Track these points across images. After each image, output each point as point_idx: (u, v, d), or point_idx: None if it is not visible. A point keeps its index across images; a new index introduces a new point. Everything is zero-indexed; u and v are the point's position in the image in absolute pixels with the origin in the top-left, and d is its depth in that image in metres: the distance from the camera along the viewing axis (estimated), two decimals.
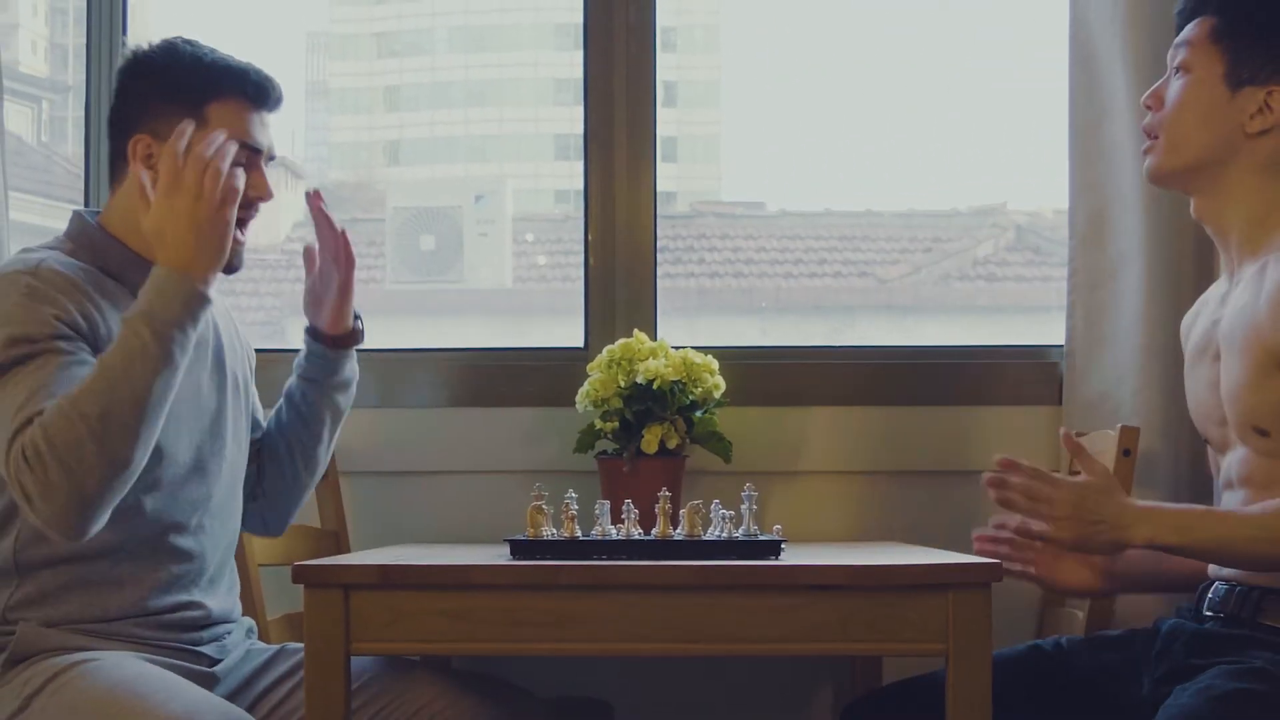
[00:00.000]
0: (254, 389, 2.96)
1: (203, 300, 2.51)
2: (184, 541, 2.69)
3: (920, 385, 3.48)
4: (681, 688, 3.44)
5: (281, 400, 2.96)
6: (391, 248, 4.07)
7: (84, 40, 3.69)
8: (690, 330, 3.65)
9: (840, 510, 3.47)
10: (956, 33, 3.75)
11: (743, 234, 4.13)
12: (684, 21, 4.19)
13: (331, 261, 2.88)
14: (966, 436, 3.40)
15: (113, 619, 2.61)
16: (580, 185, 3.66)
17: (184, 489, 2.67)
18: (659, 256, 3.65)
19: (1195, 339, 2.72)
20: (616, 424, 3.23)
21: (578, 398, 3.27)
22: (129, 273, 2.63)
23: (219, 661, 2.72)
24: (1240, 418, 2.56)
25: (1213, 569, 2.63)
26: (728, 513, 2.60)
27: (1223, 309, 2.62)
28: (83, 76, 3.70)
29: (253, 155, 2.69)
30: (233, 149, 2.58)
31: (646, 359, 3.22)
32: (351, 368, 2.97)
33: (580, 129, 3.66)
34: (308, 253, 2.91)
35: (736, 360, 3.43)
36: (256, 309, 3.41)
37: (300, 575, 2.40)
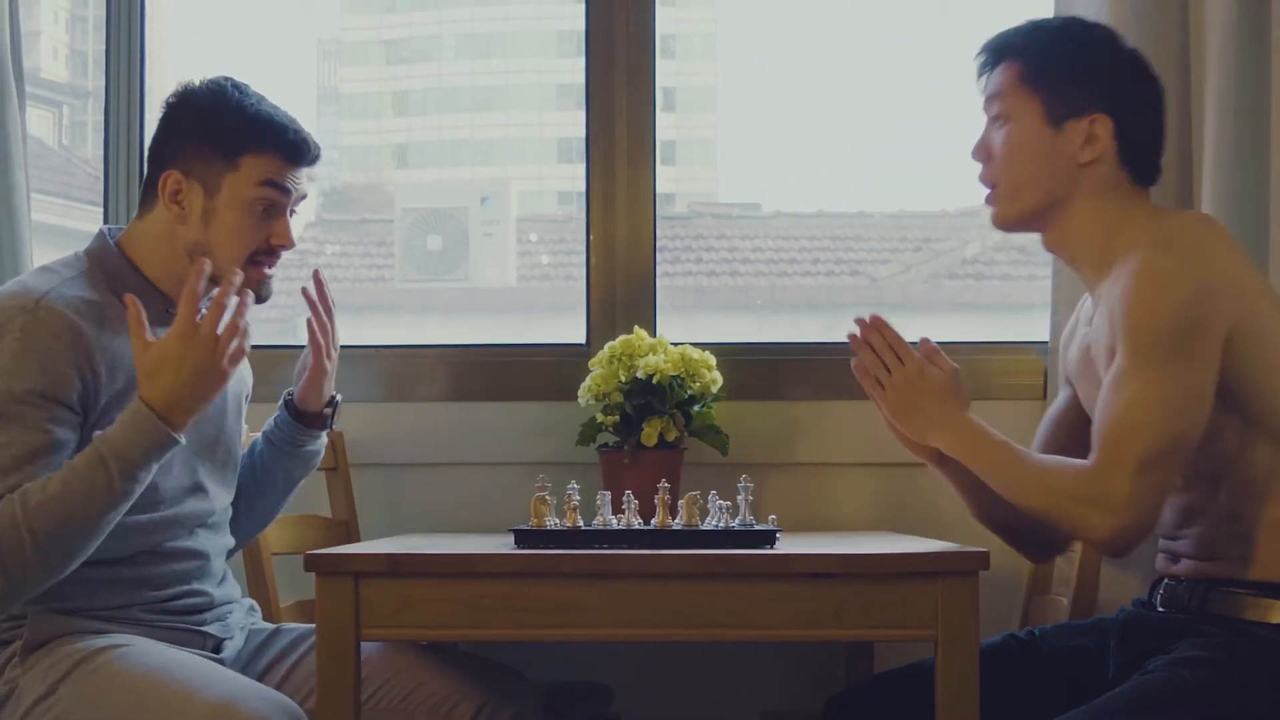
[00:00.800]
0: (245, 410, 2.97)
1: (173, 445, 2.48)
2: (186, 544, 2.70)
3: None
4: (680, 672, 3.44)
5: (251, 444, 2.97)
6: (400, 247, 4.07)
7: (103, 47, 3.68)
8: (688, 327, 3.65)
9: (833, 501, 3.46)
10: (945, 41, 3.75)
11: (739, 234, 4.12)
12: (682, 29, 4.18)
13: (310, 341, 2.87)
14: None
15: (117, 606, 2.61)
16: (582, 187, 3.66)
17: (183, 506, 2.69)
18: (658, 256, 3.65)
19: (1073, 362, 2.74)
20: (617, 418, 3.23)
21: (580, 392, 3.27)
22: (140, 299, 2.58)
23: (224, 641, 2.73)
24: None
25: (1160, 565, 2.64)
26: (725, 503, 2.60)
27: (1091, 330, 2.63)
28: (102, 82, 3.69)
29: (281, 200, 2.68)
30: (250, 301, 2.57)
31: (646, 355, 3.22)
32: (314, 446, 2.96)
33: (582, 133, 3.65)
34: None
35: (733, 356, 3.42)
36: (270, 306, 3.38)
37: (312, 563, 2.40)
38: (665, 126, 3.72)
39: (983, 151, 2.68)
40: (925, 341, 2.65)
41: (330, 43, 4.36)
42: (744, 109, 4.13)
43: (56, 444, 2.50)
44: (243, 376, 2.91)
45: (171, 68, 3.83)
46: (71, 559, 2.47)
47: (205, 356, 2.48)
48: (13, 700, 2.52)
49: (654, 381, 3.19)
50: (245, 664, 2.75)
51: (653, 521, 2.59)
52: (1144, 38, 3.25)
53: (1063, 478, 2.46)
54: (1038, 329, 3.48)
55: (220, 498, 2.77)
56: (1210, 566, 2.53)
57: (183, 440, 2.49)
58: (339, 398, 2.96)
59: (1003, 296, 4.00)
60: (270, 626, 2.85)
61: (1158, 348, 2.41)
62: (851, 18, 3.88)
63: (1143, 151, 2.64)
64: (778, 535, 2.55)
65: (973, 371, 3.28)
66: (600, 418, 3.25)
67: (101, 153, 3.69)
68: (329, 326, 2.90)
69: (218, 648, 2.71)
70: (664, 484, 2.62)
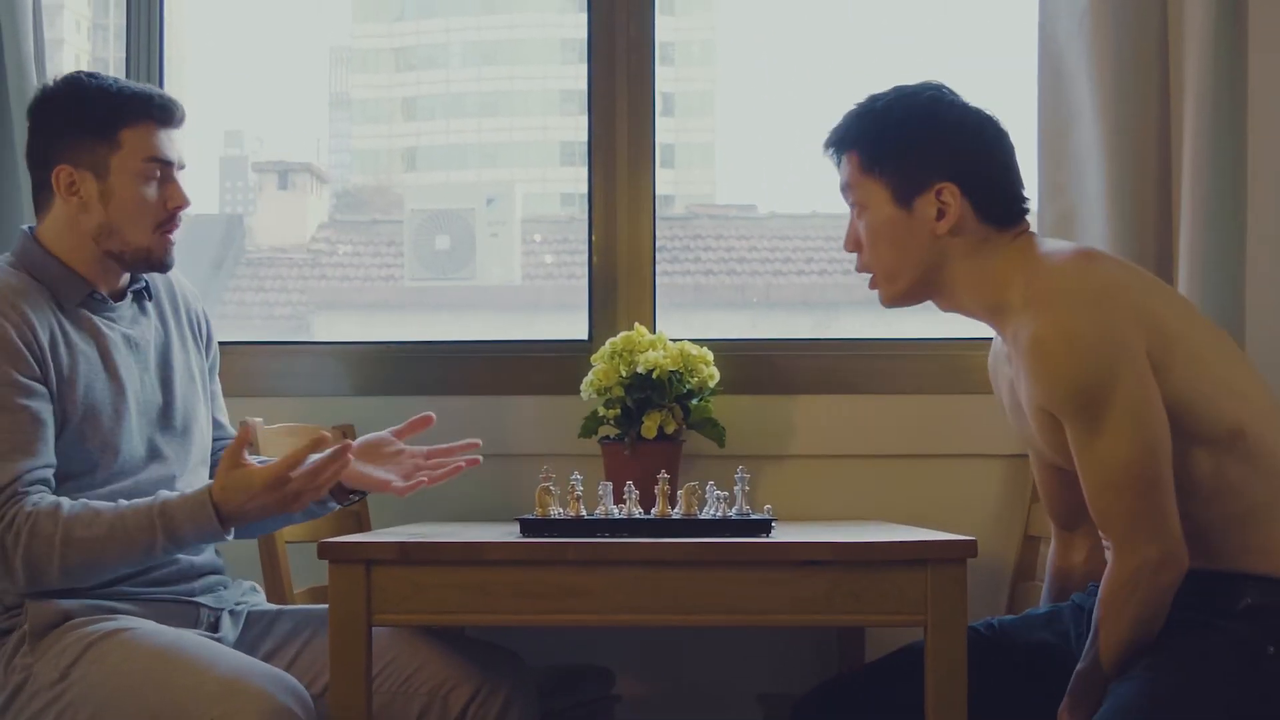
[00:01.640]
0: (215, 386, 2.97)
1: (218, 540, 2.60)
2: None
3: (900, 374, 3.47)
4: (679, 656, 3.44)
5: None
6: (409, 247, 4.07)
7: (123, 54, 3.68)
8: (687, 324, 3.64)
9: (827, 491, 3.46)
10: (933, 46, 3.75)
11: (735, 234, 4.13)
12: (681, 37, 4.18)
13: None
14: (943, 422, 3.39)
15: (105, 584, 2.61)
16: (584, 189, 3.66)
17: (144, 473, 2.70)
18: (658, 255, 3.65)
19: (1006, 396, 2.72)
20: (618, 411, 3.22)
21: (582, 386, 3.26)
22: (60, 286, 2.67)
23: (220, 615, 2.73)
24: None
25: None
26: (722, 493, 2.60)
27: (1012, 370, 2.61)
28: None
29: (165, 168, 2.70)
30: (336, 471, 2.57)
31: (646, 350, 3.22)
32: (318, 511, 2.92)
33: (584, 137, 3.65)
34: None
35: (730, 352, 3.42)
36: (284, 304, 3.42)
37: (325, 551, 2.40)
38: (664, 130, 3.72)
39: (852, 242, 2.66)
40: None
41: (342, 50, 4.36)
42: (740, 114, 4.13)
43: (40, 422, 2.54)
44: (190, 352, 2.90)
45: (189, 74, 3.83)
46: (88, 579, 2.56)
47: (278, 504, 2.54)
48: (27, 687, 2.52)
49: (654, 376, 3.19)
50: (247, 647, 2.73)
51: (653, 511, 2.59)
52: (1123, 40, 3.25)
53: (1123, 591, 2.44)
54: None
55: (180, 463, 2.76)
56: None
57: (229, 539, 2.58)
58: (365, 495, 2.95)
59: None
60: (273, 609, 2.84)
61: (1088, 408, 2.41)
62: (845, 25, 3.88)
63: (996, 202, 2.60)
64: (773, 524, 2.55)
65: (955, 367, 3.29)
66: (602, 411, 3.25)
67: None
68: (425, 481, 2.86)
69: (214, 625, 2.71)
70: (663, 475, 2.62)
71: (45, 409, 2.56)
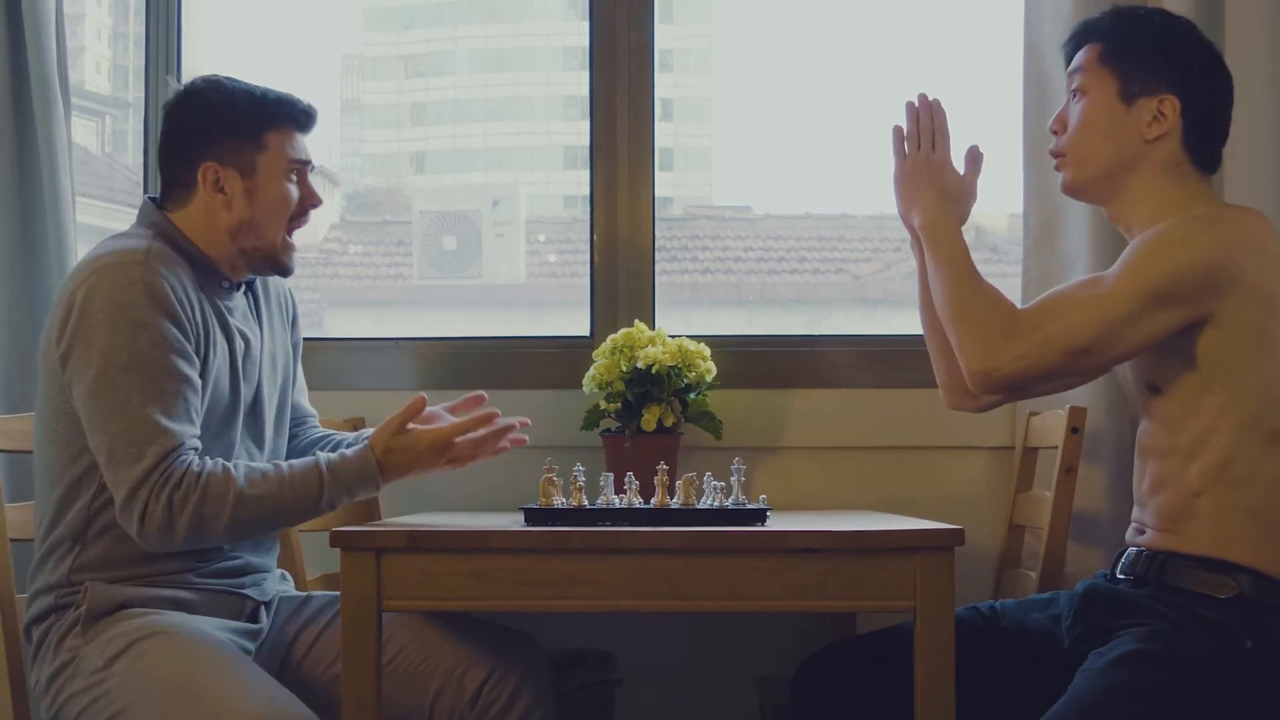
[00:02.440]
0: (298, 368, 2.97)
1: (374, 492, 2.65)
2: None
3: (890, 370, 3.48)
4: (678, 640, 3.44)
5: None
6: (418, 247, 4.07)
7: (143, 62, 3.68)
8: (685, 321, 3.65)
9: (820, 482, 3.46)
10: (922, 54, 3.75)
11: (732, 235, 4.12)
12: (679, 45, 4.18)
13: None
14: (932, 416, 3.39)
15: (169, 572, 2.62)
16: (587, 191, 3.66)
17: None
18: (657, 255, 3.65)
19: None
20: (619, 405, 3.23)
21: (584, 381, 3.27)
22: (200, 269, 2.69)
23: (260, 606, 2.74)
24: (1135, 376, 2.62)
25: (1129, 536, 2.64)
26: (719, 484, 2.60)
27: None
28: (141, 94, 3.69)
29: (304, 169, 2.75)
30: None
31: (646, 346, 3.22)
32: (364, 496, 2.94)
33: (587, 141, 3.65)
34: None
35: (726, 348, 3.42)
36: (299, 302, 3.39)
37: (337, 540, 2.40)
38: (663, 135, 3.72)
39: (1059, 123, 2.70)
40: (974, 148, 2.78)
41: (353, 58, 4.36)
42: (736, 118, 4.13)
43: (196, 390, 2.59)
44: (286, 343, 2.92)
45: None
46: (248, 539, 2.64)
47: (442, 463, 2.65)
48: (72, 667, 2.53)
49: (653, 371, 3.19)
50: (279, 630, 2.76)
51: (652, 501, 2.59)
52: None
53: (991, 300, 2.54)
54: None
55: (254, 455, 2.78)
56: (1171, 539, 2.52)
57: (380, 490, 2.65)
58: None
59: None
60: (301, 595, 2.86)
61: (1135, 281, 2.44)
62: (836, 35, 3.87)
63: (1206, 136, 2.63)
64: (768, 514, 2.55)
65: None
66: (603, 405, 3.25)
67: (141, 159, 3.69)
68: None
69: (254, 614, 2.71)
70: (662, 466, 2.62)
71: (197, 379, 2.59)
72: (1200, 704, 2.37)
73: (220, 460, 2.55)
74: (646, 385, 3.20)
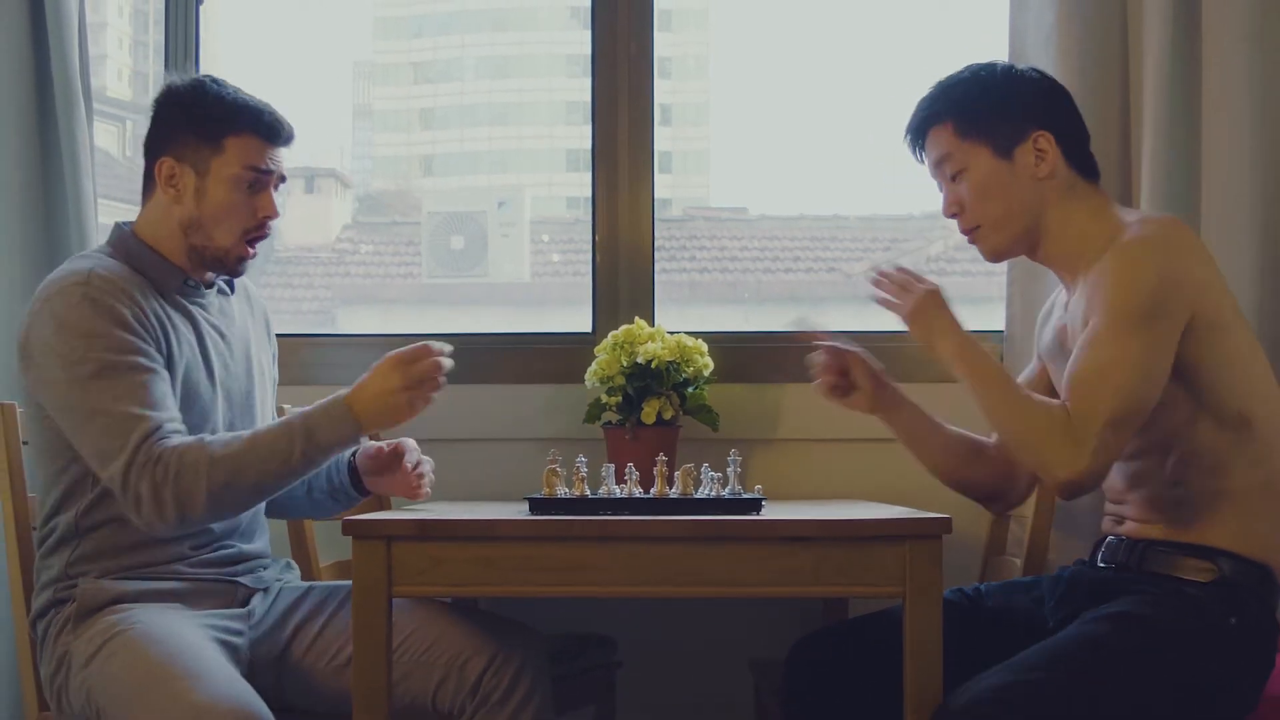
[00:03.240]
0: (275, 374, 2.97)
1: (355, 440, 2.59)
2: None
3: (885, 365, 3.47)
4: (677, 624, 3.44)
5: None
6: (426, 247, 4.07)
7: (162, 68, 3.68)
8: (683, 317, 3.64)
9: (813, 472, 3.46)
10: (911, 60, 3.74)
11: (728, 235, 4.12)
12: (678, 52, 4.18)
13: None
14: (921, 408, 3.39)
15: (162, 562, 2.61)
16: (589, 193, 3.66)
17: None
18: (656, 254, 3.65)
19: (1046, 343, 2.75)
20: (620, 398, 3.23)
21: (586, 375, 3.26)
22: (158, 275, 2.67)
23: (253, 594, 2.72)
24: None
25: (1106, 526, 2.64)
26: (716, 474, 2.60)
27: (1066, 314, 2.64)
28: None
29: (261, 178, 2.70)
30: (448, 364, 2.62)
31: (646, 342, 3.22)
32: (347, 504, 2.95)
33: (589, 144, 3.65)
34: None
35: (723, 343, 3.42)
36: (311, 299, 3.42)
37: (349, 528, 2.40)
38: (662, 139, 3.71)
39: (954, 206, 2.67)
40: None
41: (364, 64, 4.35)
42: (733, 123, 4.12)
43: (168, 383, 2.57)
44: (265, 347, 2.92)
45: None
46: (235, 510, 2.57)
47: (405, 388, 2.57)
48: (66, 663, 2.53)
49: (652, 366, 3.19)
50: (276, 620, 2.73)
51: (652, 490, 2.59)
52: (1086, 57, 3.26)
53: (1044, 410, 2.44)
54: (994, 319, 3.48)
55: None
56: (1151, 528, 2.53)
57: (364, 441, 2.59)
58: None
59: (963, 290, 3.99)
60: (303, 586, 2.83)
61: (1131, 318, 2.42)
62: (827, 41, 3.87)
63: (1080, 148, 2.65)
64: (763, 503, 2.55)
65: (931, 357, 3.28)
66: (605, 398, 3.25)
67: None
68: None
69: (245, 601, 2.70)
70: (662, 457, 2.62)
71: (164, 369, 2.57)
72: (1178, 667, 2.39)
73: (200, 436, 2.54)
74: (646, 380, 3.20)
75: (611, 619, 3.36)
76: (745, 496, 2.54)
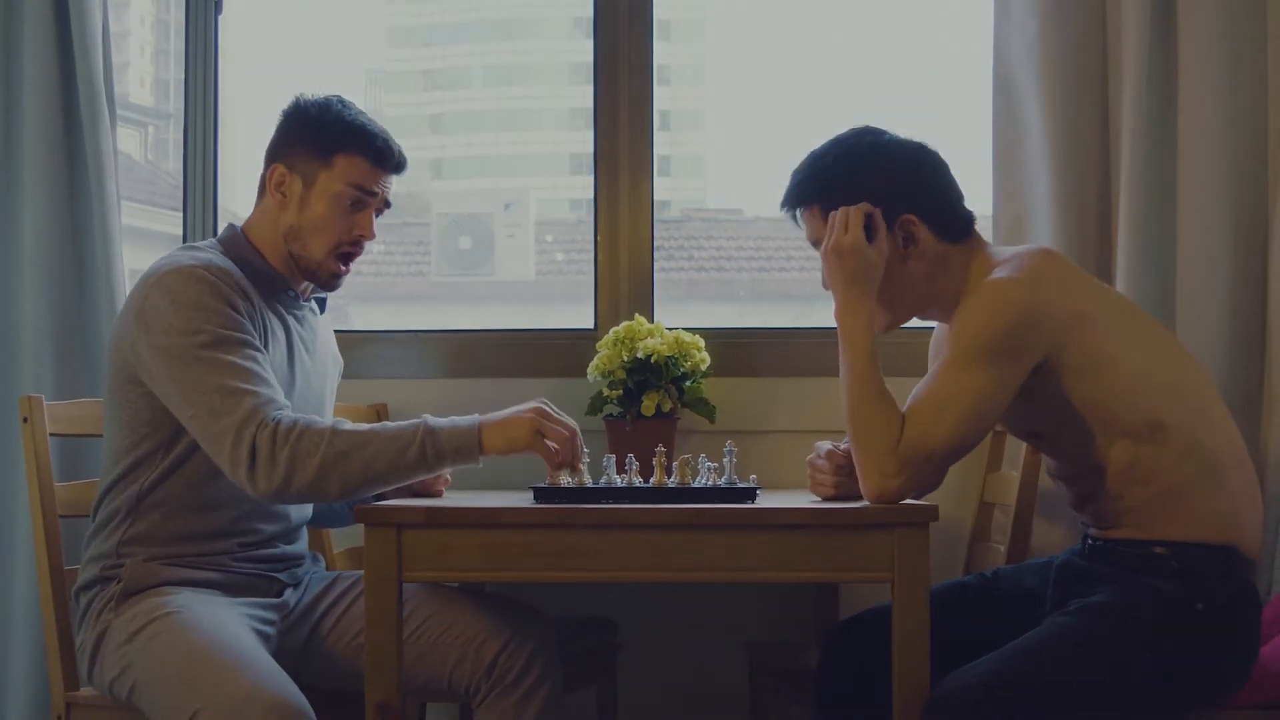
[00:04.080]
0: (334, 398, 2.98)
1: (473, 457, 2.52)
2: (278, 509, 2.70)
3: None
4: (674, 609, 3.43)
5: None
6: (435, 247, 4.06)
7: (183, 76, 3.67)
8: (682, 314, 3.63)
9: (805, 463, 3.45)
10: (899, 67, 3.74)
11: (724, 236, 4.12)
12: (676, 61, 4.17)
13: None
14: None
15: (210, 554, 2.61)
16: (591, 195, 3.65)
17: None
18: (656, 254, 3.64)
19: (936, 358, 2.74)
20: (620, 391, 3.22)
21: (588, 370, 3.26)
22: (262, 278, 2.67)
23: (289, 586, 2.72)
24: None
25: (1082, 527, 2.65)
26: (712, 465, 2.59)
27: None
28: (181, 106, 3.68)
29: (363, 198, 2.69)
30: (576, 456, 2.55)
31: (645, 338, 3.21)
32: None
33: (591, 149, 3.64)
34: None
35: (720, 339, 3.41)
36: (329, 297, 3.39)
37: (361, 516, 2.39)
38: (661, 144, 3.71)
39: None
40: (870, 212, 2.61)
41: (376, 72, 4.35)
42: (728, 128, 4.12)
43: (268, 365, 2.56)
44: (333, 363, 2.92)
45: (240, 93, 3.82)
46: (336, 491, 2.47)
47: (532, 424, 2.51)
48: (106, 638, 2.53)
49: (652, 361, 3.18)
50: (304, 609, 2.74)
51: (651, 480, 2.58)
52: (1068, 64, 3.25)
53: (885, 422, 2.43)
54: None
55: None
56: (1112, 532, 2.54)
57: (479, 465, 2.53)
58: None
59: None
60: (330, 575, 2.84)
61: (976, 356, 2.41)
62: (818, 50, 3.87)
63: (949, 218, 2.59)
64: (757, 492, 2.54)
65: (920, 352, 3.27)
66: (606, 391, 3.25)
67: (181, 166, 3.68)
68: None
69: (280, 593, 2.70)
70: (661, 448, 2.62)
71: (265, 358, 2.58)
72: (1153, 654, 2.39)
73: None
74: (646, 374, 3.19)
75: (612, 603, 3.36)
76: (740, 486, 2.53)
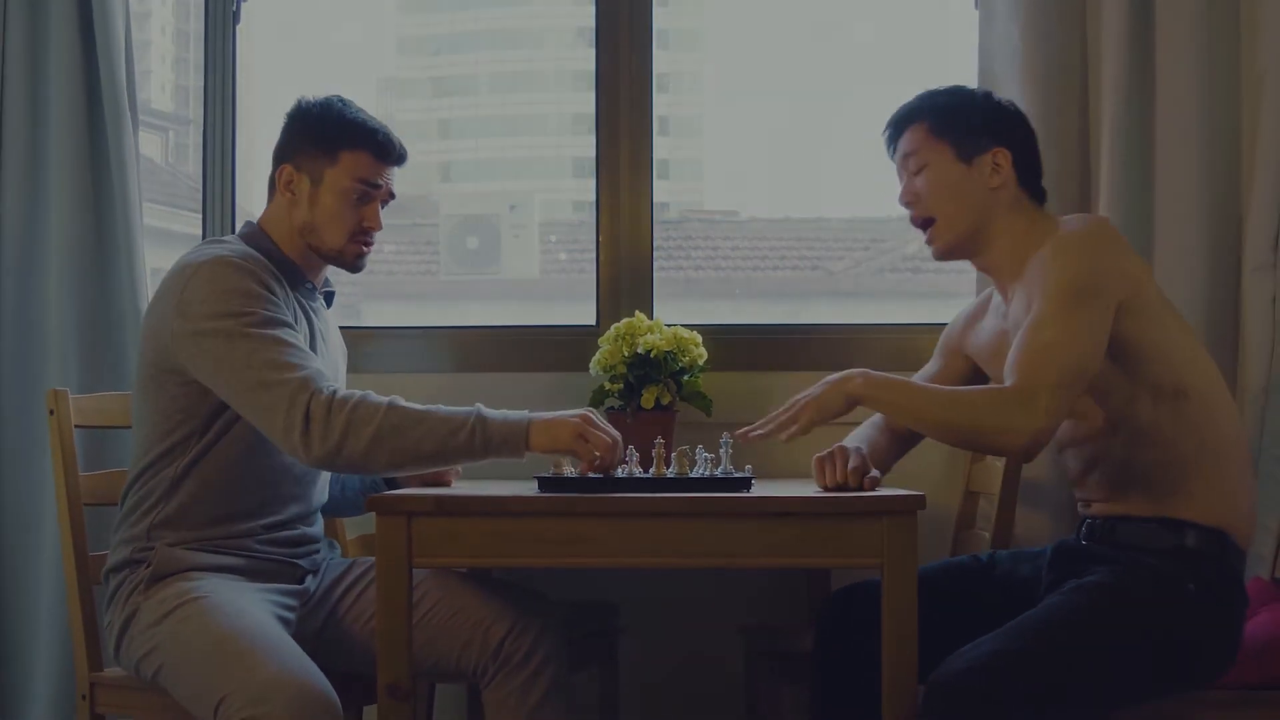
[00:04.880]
0: None
1: (518, 450, 2.49)
2: (302, 493, 2.70)
3: (860, 353, 3.45)
4: (673, 593, 3.43)
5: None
6: (444, 247, 4.06)
7: (202, 83, 3.67)
8: (680, 311, 3.62)
9: (799, 453, 3.43)
10: (888, 75, 3.73)
11: (721, 236, 4.12)
12: (675, 69, 4.17)
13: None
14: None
15: (236, 536, 2.61)
16: (593, 197, 3.64)
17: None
18: (655, 253, 3.63)
19: (986, 342, 2.74)
20: (621, 385, 3.21)
21: (590, 364, 3.25)
22: (281, 269, 2.67)
23: (308, 574, 2.72)
24: None
25: (1080, 509, 2.65)
26: (709, 455, 2.59)
27: (1007, 321, 2.63)
28: (200, 111, 3.67)
29: (369, 191, 2.70)
30: (613, 464, 2.50)
31: (645, 334, 3.21)
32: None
33: (593, 153, 3.64)
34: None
35: (716, 335, 3.41)
36: (339, 294, 3.39)
37: (373, 504, 2.39)
38: (660, 148, 3.70)
39: (909, 194, 2.68)
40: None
41: (388, 80, 4.35)
42: (724, 133, 4.12)
43: (306, 344, 2.56)
44: (343, 346, 2.94)
45: (257, 101, 3.82)
46: (384, 463, 2.46)
47: (579, 426, 2.47)
48: (135, 620, 2.53)
49: (651, 356, 3.18)
50: (323, 594, 2.74)
51: (650, 470, 2.58)
52: (1049, 74, 3.25)
53: (984, 392, 2.44)
54: None
55: None
56: (1114, 506, 2.54)
57: (524, 459, 2.50)
58: None
59: (935, 286, 3.99)
60: (345, 562, 2.84)
61: (1070, 299, 2.42)
62: (811, 57, 3.86)
63: (1033, 174, 2.67)
64: (752, 482, 2.53)
65: (910, 347, 3.28)
66: (607, 385, 3.24)
67: (200, 169, 3.67)
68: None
69: (301, 579, 2.70)
70: (660, 440, 2.61)
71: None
72: (1143, 633, 2.39)
73: None
74: (645, 368, 3.19)
75: (613, 588, 3.36)
76: (736, 475, 2.53)
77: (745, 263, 4.10)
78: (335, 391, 2.44)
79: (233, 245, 2.64)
